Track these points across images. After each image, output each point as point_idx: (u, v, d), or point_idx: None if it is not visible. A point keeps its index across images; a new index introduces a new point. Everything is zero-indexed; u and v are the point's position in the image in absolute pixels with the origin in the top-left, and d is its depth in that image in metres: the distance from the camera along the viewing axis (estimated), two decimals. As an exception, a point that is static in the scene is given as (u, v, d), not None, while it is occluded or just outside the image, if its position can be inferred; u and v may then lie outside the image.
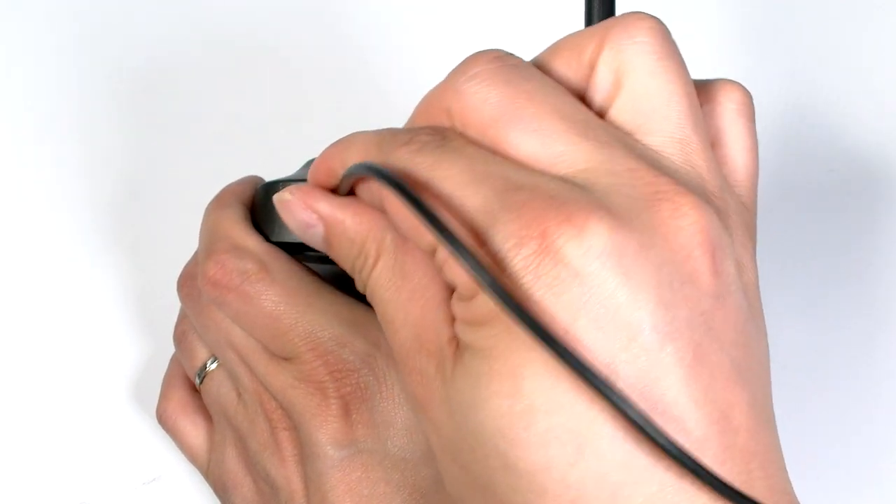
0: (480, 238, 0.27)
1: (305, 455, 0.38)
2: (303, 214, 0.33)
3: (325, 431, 0.37)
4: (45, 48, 0.51)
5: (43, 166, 0.49)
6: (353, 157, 0.31)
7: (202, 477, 0.44)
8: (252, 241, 0.39)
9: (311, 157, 0.44)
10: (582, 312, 0.26)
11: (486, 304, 0.27)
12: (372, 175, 0.29)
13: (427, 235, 0.28)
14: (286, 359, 0.38)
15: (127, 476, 0.47)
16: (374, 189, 0.31)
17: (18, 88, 0.50)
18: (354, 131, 0.32)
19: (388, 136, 0.30)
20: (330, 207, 0.32)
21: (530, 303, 0.26)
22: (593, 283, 0.26)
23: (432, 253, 0.29)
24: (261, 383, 0.39)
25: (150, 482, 0.47)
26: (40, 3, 0.51)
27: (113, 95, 0.50)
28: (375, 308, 0.32)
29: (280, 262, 0.39)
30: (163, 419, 0.44)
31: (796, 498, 0.29)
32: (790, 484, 0.29)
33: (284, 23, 0.50)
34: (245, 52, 0.50)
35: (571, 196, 0.27)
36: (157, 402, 0.45)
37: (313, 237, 0.33)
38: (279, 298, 0.38)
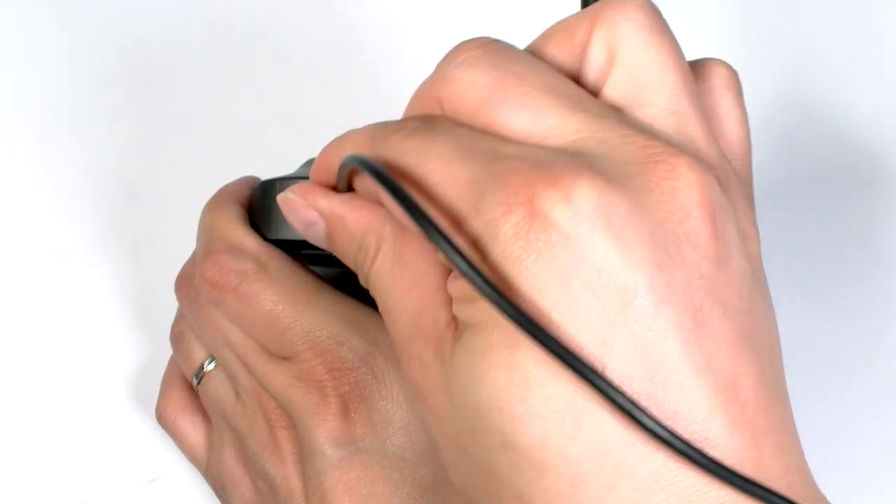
0: (473, 209, 0.27)
1: (304, 454, 0.38)
2: (304, 212, 0.33)
3: (324, 430, 0.37)
4: (45, 47, 0.51)
5: (42, 167, 0.49)
6: (348, 152, 0.31)
7: (202, 476, 0.44)
8: (250, 240, 0.39)
9: (310, 157, 0.44)
10: (574, 276, 0.25)
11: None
12: (357, 165, 0.29)
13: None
14: (285, 358, 0.38)
15: (127, 476, 0.47)
16: (369, 181, 0.31)
17: (18, 88, 0.50)
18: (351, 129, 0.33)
19: (379, 128, 0.31)
20: (329, 204, 0.33)
21: (521, 270, 0.26)
22: (584, 246, 0.25)
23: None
24: (259, 383, 0.39)
25: (150, 482, 0.47)
26: (39, 2, 0.51)
27: (112, 95, 0.50)
28: (377, 301, 0.32)
29: (278, 262, 0.39)
30: (162, 418, 0.44)
31: (812, 479, 0.27)
32: (806, 464, 0.27)
33: (284, 23, 0.50)
34: (245, 52, 0.50)
35: (560, 160, 0.26)
36: (156, 401, 0.45)
37: (315, 234, 0.34)
38: (277, 298, 0.38)
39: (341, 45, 0.50)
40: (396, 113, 0.49)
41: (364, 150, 0.31)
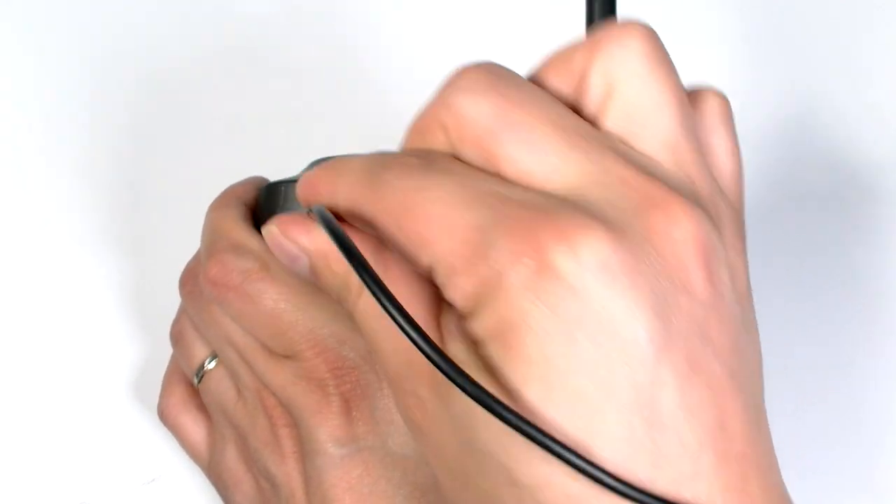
0: (476, 256, 0.27)
1: (306, 452, 0.38)
2: (287, 247, 0.33)
3: (326, 429, 0.37)
4: (47, 48, 0.51)
5: (44, 166, 0.50)
6: (344, 185, 0.31)
7: (202, 476, 0.44)
8: (253, 240, 0.39)
9: (316, 158, 0.44)
10: (579, 328, 0.26)
11: (481, 323, 0.27)
12: (319, 222, 0.30)
13: (423, 259, 0.28)
14: (287, 356, 0.38)
15: (127, 476, 0.47)
16: (365, 213, 0.31)
17: (20, 88, 0.50)
18: (344, 155, 0.32)
19: (376, 161, 0.30)
20: (311, 241, 0.32)
21: (527, 320, 0.27)
22: (589, 299, 0.26)
23: (428, 274, 0.29)
24: (261, 381, 0.39)
25: (150, 482, 0.47)
26: (44, 4, 0.51)
27: (114, 95, 0.50)
28: (364, 338, 0.32)
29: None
30: (164, 416, 0.44)
31: (787, 493, 0.29)
32: (782, 481, 0.29)
33: (285, 23, 0.50)
34: (246, 52, 0.50)
35: (564, 210, 0.27)
36: (157, 399, 0.45)
37: (300, 269, 0.33)
38: (279, 297, 0.38)
39: (341, 46, 0.50)
40: (395, 111, 0.49)
41: (359, 185, 0.30)
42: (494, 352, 0.27)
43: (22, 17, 0.51)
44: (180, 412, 0.43)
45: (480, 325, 0.27)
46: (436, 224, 0.28)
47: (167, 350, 0.45)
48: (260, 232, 0.40)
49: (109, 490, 0.47)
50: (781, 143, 0.49)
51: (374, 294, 0.28)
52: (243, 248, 0.39)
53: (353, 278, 0.31)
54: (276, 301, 0.38)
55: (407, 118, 0.44)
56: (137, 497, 0.47)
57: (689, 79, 0.40)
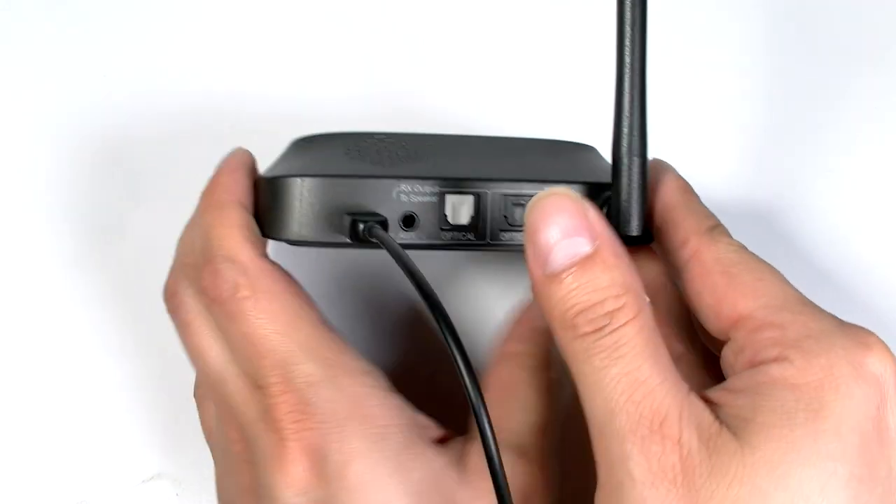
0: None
1: (260, 495, 0.37)
2: (577, 223, 0.32)
3: (280, 475, 0.36)
4: (46, 46, 0.50)
5: (43, 167, 0.50)
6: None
7: (202, 475, 0.44)
8: (246, 253, 0.38)
9: (296, 136, 0.43)
10: None
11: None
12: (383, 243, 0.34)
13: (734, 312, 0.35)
14: (258, 387, 0.37)
15: (126, 475, 0.48)
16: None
17: (19, 89, 0.50)
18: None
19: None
20: (603, 226, 0.32)
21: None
22: None
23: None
24: (230, 410, 0.38)
25: (149, 480, 0.48)
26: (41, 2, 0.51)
27: (112, 93, 0.50)
28: (590, 378, 0.33)
29: (268, 282, 0.38)
30: (196, 394, 0.43)
31: None
32: None
33: (285, 22, 0.50)
34: (246, 51, 0.50)
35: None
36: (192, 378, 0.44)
37: (568, 253, 0.32)
38: (260, 322, 0.37)
39: (341, 45, 0.49)
40: (396, 111, 0.48)
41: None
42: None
43: (23, 11, 0.51)
44: (205, 397, 0.42)
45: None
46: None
47: (167, 348, 0.45)
48: (259, 225, 0.39)
49: (109, 489, 0.48)
50: (782, 142, 0.48)
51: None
52: (235, 261, 0.38)
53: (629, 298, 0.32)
54: (255, 326, 0.37)
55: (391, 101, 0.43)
56: (136, 495, 0.48)
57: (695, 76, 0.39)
